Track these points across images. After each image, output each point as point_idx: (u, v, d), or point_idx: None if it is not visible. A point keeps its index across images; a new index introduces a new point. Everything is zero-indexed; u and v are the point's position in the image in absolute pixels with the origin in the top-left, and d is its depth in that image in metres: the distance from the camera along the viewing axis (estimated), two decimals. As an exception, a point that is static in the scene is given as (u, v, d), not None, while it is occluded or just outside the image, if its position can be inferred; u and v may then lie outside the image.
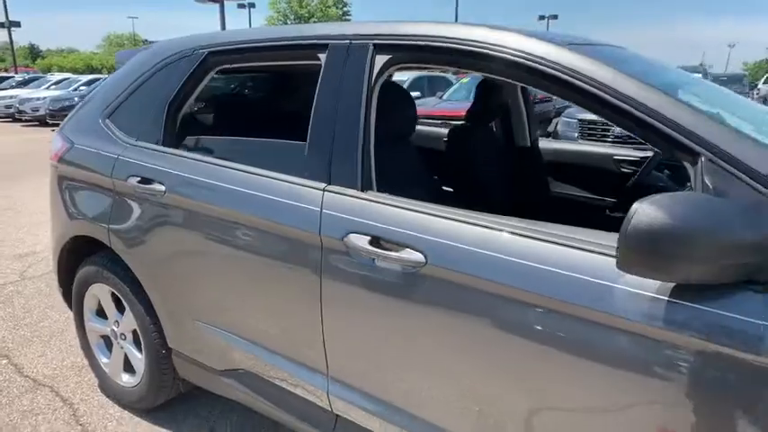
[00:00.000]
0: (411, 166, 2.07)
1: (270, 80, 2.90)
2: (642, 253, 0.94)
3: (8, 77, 22.08)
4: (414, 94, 11.33)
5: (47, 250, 4.16)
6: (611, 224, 1.18)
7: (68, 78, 19.31)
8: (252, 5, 34.70)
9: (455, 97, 9.63)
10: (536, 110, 9.57)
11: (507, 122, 2.79)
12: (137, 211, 1.94)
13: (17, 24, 31.23)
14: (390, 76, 1.64)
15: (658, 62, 1.76)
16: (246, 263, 1.69)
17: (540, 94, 7.72)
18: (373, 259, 1.39)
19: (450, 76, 12.31)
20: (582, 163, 2.66)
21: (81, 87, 15.78)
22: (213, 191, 1.73)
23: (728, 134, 1.10)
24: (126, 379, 2.26)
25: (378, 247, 1.38)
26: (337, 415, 1.62)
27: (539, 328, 1.18)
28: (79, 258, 2.28)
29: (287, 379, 1.71)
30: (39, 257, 4.10)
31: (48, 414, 2.25)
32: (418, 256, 1.31)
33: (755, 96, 19.18)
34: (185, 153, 1.91)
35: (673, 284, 1.03)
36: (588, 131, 6.71)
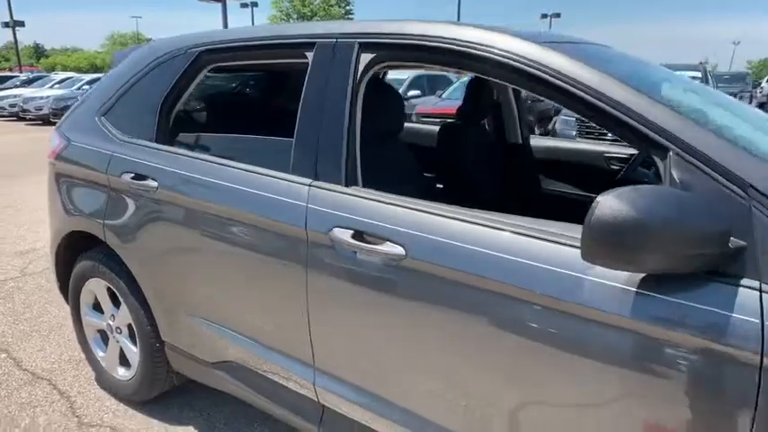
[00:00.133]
0: (400, 163, 2.09)
1: (261, 78, 2.94)
2: (604, 244, 0.97)
3: (12, 76, 22.21)
4: (414, 92, 11.41)
5: (47, 247, 4.19)
6: None
7: (72, 77, 19.43)
8: (254, 4, 34.65)
9: (455, 96, 9.63)
10: (537, 108, 9.53)
11: (499, 120, 2.81)
12: (131, 206, 1.98)
13: (21, 24, 31.36)
14: (384, 75, 1.67)
15: (643, 61, 1.78)
16: (236, 257, 1.72)
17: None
18: (355, 252, 1.43)
19: (450, 74, 12.30)
20: (573, 160, 2.68)
21: (84, 86, 15.85)
22: (204, 187, 1.77)
23: (696, 129, 1.12)
24: (122, 372, 2.30)
25: (361, 241, 1.41)
26: (324, 406, 1.66)
27: (517, 320, 1.20)
28: (76, 253, 2.32)
29: (276, 371, 1.75)
30: (39, 254, 4.15)
31: (45, 406, 2.29)
32: (398, 250, 1.35)
33: (759, 95, 18.93)
34: (178, 150, 1.95)
35: (640, 276, 1.06)
36: (586, 129, 6.72)
